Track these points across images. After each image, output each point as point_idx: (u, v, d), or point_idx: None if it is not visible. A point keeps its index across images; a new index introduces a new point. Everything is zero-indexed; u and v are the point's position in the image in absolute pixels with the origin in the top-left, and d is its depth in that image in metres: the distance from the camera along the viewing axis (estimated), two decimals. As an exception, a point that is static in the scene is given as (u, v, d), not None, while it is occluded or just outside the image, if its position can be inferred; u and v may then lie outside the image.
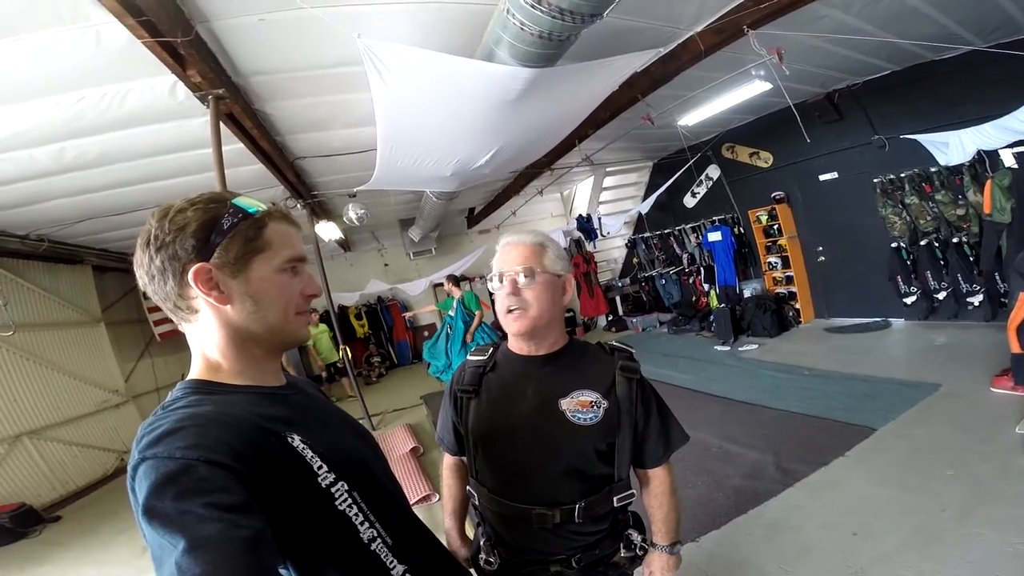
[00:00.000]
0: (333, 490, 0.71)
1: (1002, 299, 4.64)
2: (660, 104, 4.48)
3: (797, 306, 6.66)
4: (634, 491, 1.26)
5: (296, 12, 2.02)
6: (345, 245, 8.59)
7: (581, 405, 1.17)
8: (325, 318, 7.38)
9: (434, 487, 3.49)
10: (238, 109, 2.80)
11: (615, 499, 1.22)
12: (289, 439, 0.70)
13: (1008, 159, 4.19)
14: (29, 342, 5.18)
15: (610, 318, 9.44)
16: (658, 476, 1.29)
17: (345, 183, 4.96)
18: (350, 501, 0.73)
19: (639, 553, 1.31)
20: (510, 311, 1.18)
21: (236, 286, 0.72)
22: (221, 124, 2.75)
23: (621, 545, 1.29)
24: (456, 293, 5.89)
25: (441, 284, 8.70)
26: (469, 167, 3.97)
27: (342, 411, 0.95)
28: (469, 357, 1.36)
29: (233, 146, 3.26)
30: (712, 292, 7.56)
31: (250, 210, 0.75)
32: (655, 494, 1.30)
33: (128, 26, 1.82)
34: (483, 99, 2.73)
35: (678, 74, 3.56)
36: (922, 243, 5.18)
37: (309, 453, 0.70)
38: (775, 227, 6.66)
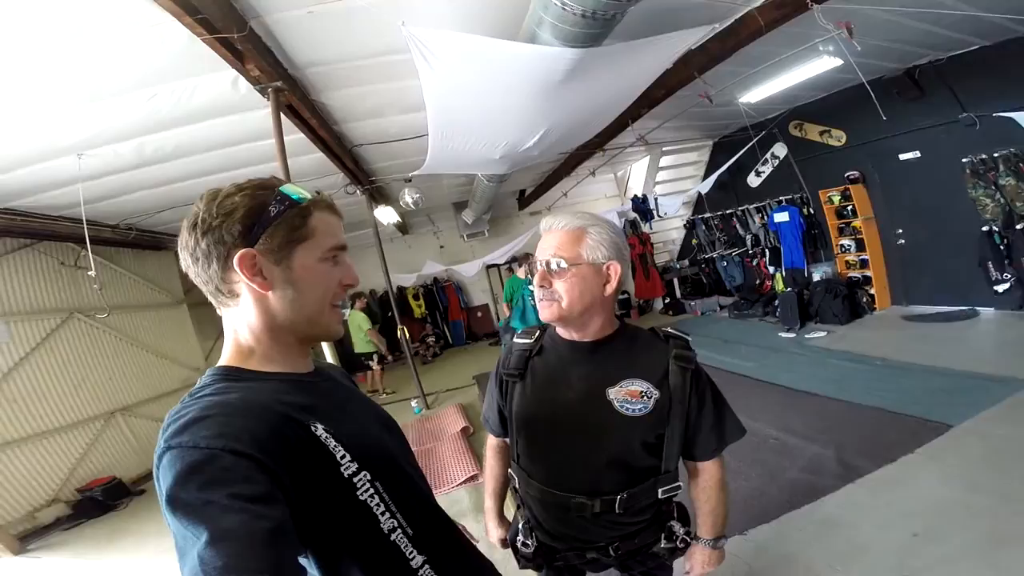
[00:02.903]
0: (355, 480, 0.71)
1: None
2: (719, 81, 4.24)
3: (872, 292, 6.18)
4: (680, 484, 1.22)
5: (342, 3, 2.09)
6: (403, 228, 8.88)
7: (630, 395, 1.12)
8: (367, 309, 7.53)
9: (481, 467, 3.58)
10: (296, 100, 2.94)
11: (660, 491, 1.18)
12: (313, 428, 0.70)
13: None
14: (121, 323, 5.68)
15: (667, 301, 9.17)
16: (708, 470, 1.24)
17: (401, 168, 5.09)
18: (372, 491, 0.73)
19: (680, 545, 1.27)
20: (540, 300, 1.15)
21: (278, 273, 0.73)
22: (281, 115, 2.88)
23: (662, 536, 1.26)
24: (521, 273, 5.97)
25: (494, 266, 8.88)
26: (517, 149, 3.96)
27: (369, 400, 0.95)
28: (515, 340, 1.33)
29: (294, 136, 3.43)
30: (778, 275, 7.18)
31: (296, 198, 0.75)
32: (703, 487, 1.25)
33: (186, 24, 1.95)
34: (528, 81, 2.70)
35: (737, 51, 3.36)
36: (1018, 227, 4.68)
37: (332, 442, 0.70)
38: (849, 208, 6.19)
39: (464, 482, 3.57)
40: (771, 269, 7.43)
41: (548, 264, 1.12)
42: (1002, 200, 4.70)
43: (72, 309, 5.11)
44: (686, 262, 9.37)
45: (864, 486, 2.65)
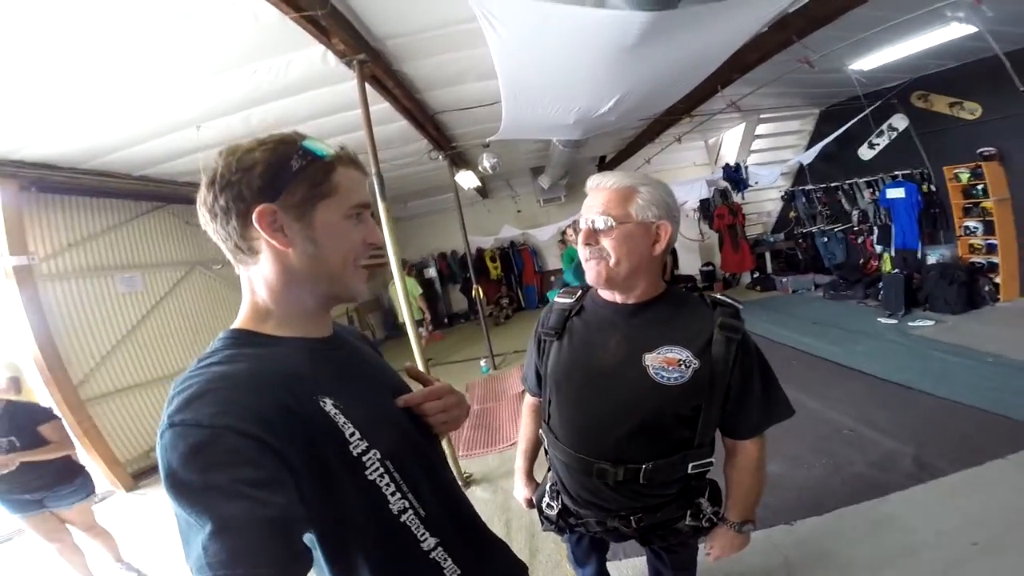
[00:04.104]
0: (364, 459, 0.68)
1: None
2: (822, 46, 3.82)
3: (997, 280, 5.38)
4: (713, 460, 1.17)
5: None
6: (482, 192, 9.07)
7: (667, 362, 1.07)
8: (419, 274, 7.58)
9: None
10: (380, 71, 3.10)
11: (690, 465, 1.13)
12: (322, 403, 0.67)
13: None
14: (233, 275, 6.40)
15: (756, 276, 8.61)
16: (747, 449, 1.18)
17: (479, 134, 5.17)
18: (382, 470, 0.70)
19: (705, 525, 1.23)
20: (587, 259, 1.12)
21: (300, 229, 0.70)
22: (367, 86, 3.05)
23: (688, 513, 1.22)
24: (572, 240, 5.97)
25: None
26: (591, 115, 3.86)
27: (388, 370, 0.91)
28: (556, 299, 1.30)
29: (380, 106, 3.61)
30: (886, 255, 6.48)
31: (319, 152, 0.73)
32: (739, 467, 1.19)
33: (274, 3, 2.11)
34: (598, 47, 2.60)
35: (844, 13, 3.02)
36: None
37: (342, 419, 0.67)
38: (979, 187, 5.40)
39: (515, 443, 3.75)
40: (878, 248, 6.71)
41: (594, 221, 1.09)
42: None
43: (194, 262, 5.78)
44: (781, 236, 8.68)
45: (935, 488, 2.47)
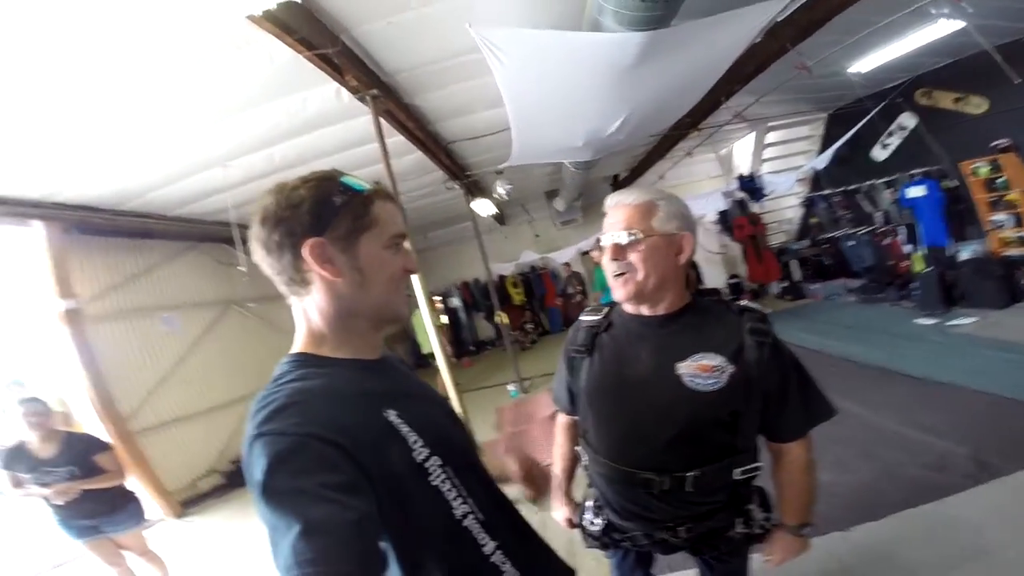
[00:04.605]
0: (427, 465, 0.72)
1: None
2: (816, 52, 3.92)
3: (1034, 272, 5.19)
4: (760, 464, 1.16)
5: (416, 12, 2.31)
6: (500, 219, 9.19)
7: (702, 369, 1.07)
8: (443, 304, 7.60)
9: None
10: (393, 105, 3.25)
11: (737, 471, 1.12)
12: (385, 413, 0.72)
13: None
14: (268, 312, 6.40)
15: (784, 285, 8.41)
16: (793, 452, 1.16)
17: (492, 161, 5.31)
18: (443, 476, 0.73)
19: (757, 531, 1.20)
20: (616, 275, 1.13)
21: (346, 260, 0.75)
22: (381, 120, 3.18)
23: (739, 520, 1.19)
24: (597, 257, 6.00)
25: (588, 252, 8.84)
26: (600, 136, 3.95)
27: (431, 387, 0.97)
28: (583, 317, 1.31)
29: (394, 139, 3.76)
30: (916, 255, 6.28)
31: (358, 187, 0.78)
32: (788, 470, 1.17)
33: (288, 44, 2.26)
34: (599, 69, 2.71)
35: (830, 19, 3.11)
36: None
37: (405, 428, 0.72)
38: (1000, 180, 5.30)
39: (551, 463, 3.68)
40: (907, 248, 6.52)
41: (624, 236, 1.10)
42: None
43: (229, 301, 6.02)
44: (805, 242, 8.53)
45: (998, 488, 2.32)
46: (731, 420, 1.08)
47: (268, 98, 3.02)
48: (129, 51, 2.27)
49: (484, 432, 4.76)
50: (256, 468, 0.59)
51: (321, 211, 0.74)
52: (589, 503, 1.36)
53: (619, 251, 1.11)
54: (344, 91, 2.93)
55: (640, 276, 1.09)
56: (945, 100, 5.74)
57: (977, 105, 5.46)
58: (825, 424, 1.15)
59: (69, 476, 2.57)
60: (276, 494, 0.57)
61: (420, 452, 0.71)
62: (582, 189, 7.53)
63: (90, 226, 4.24)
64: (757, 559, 1.26)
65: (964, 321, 4.92)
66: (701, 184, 9.23)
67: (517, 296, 9.78)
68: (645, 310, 1.16)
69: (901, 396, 3.59)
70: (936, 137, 5.86)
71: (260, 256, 0.77)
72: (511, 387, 6.08)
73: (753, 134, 7.79)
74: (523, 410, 5.23)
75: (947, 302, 5.40)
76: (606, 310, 1.29)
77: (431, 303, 7.00)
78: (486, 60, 2.53)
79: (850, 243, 7.49)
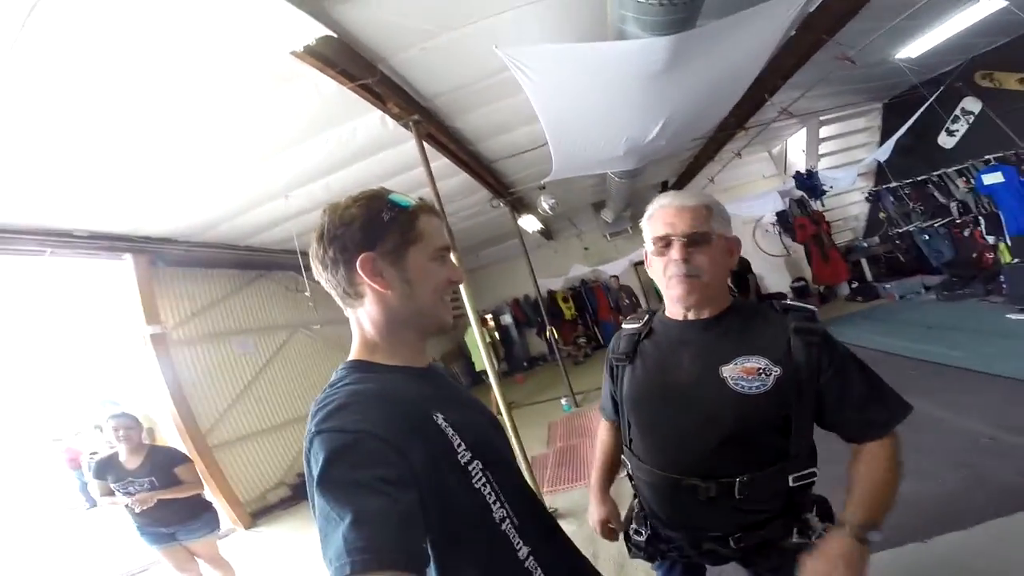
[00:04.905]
0: (470, 468, 0.75)
1: None
2: (857, 40, 3.75)
3: None
4: (816, 470, 1.09)
5: (446, 37, 2.45)
6: (547, 234, 9.26)
7: (746, 372, 1.05)
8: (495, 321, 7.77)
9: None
10: (434, 129, 3.42)
11: (790, 478, 1.06)
12: (434, 416, 0.76)
13: None
14: (332, 334, 6.78)
15: (854, 285, 7.90)
16: (873, 451, 1.05)
17: (535, 177, 5.39)
18: (484, 480, 0.76)
19: (815, 542, 1.05)
20: (683, 277, 1.10)
21: (395, 273, 0.80)
22: (425, 144, 3.34)
23: (795, 530, 1.10)
24: None
25: (640, 263, 8.69)
26: (641, 143, 3.94)
27: (473, 396, 1.00)
28: (624, 325, 1.32)
29: (439, 162, 3.93)
30: (1000, 245, 5.75)
31: (404, 204, 0.83)
32: (866, 465, 1.04)
33: (331, 76, 2.45)
34: (630, 76, 2.74)
35: (864, 5, 3.01)
36: None
37: (451, 431, 0.75)
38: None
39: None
40: (990, 239, 5.98)
41: (690, 237, 1.08)
42: None
43: (297, 325, 6.47)
44: (875, 239, 7.98)
45: None
46: (782, 423, 1.04)
47: (319, 129, 3.25)
48: (193, 94, 2.54)
49: (534, 447, 4.77)
50: (315, 462, 0.64)
51: (371, 227, 0.80)
52: (634, 512, 1.34)
53: (689, 251, 1.09)
54: (388, 118, 3.12)
55: (706, 278, 1.09)
56: (1009, 81, 5.35)
57: None
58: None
59: (149, 487, 2.80)
60: (333, 485, 0.61)
61: (464, 455, 0.75)
62: (629, 199, 7.47)
63: (171, 257, 4.70)
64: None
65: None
66: (755, 185, 8.90)
67: (568, 311, 9.77)
68: (691, 314, 1.15)
69: (991, 398, 3.29)
70: (1006, 120, 5.40)
71: (318, 272, 0.84)
72: (563, 401, 6.07)
73: (804, 129, 7.46)
74: (575, 424, 5.22)
75: (1042, 295, 4.88)
76: (647, 317, 1.28)
77: (482, 320, 7.16)
78: (516, 78, 2.63)
79: (925, 237, 6.96)
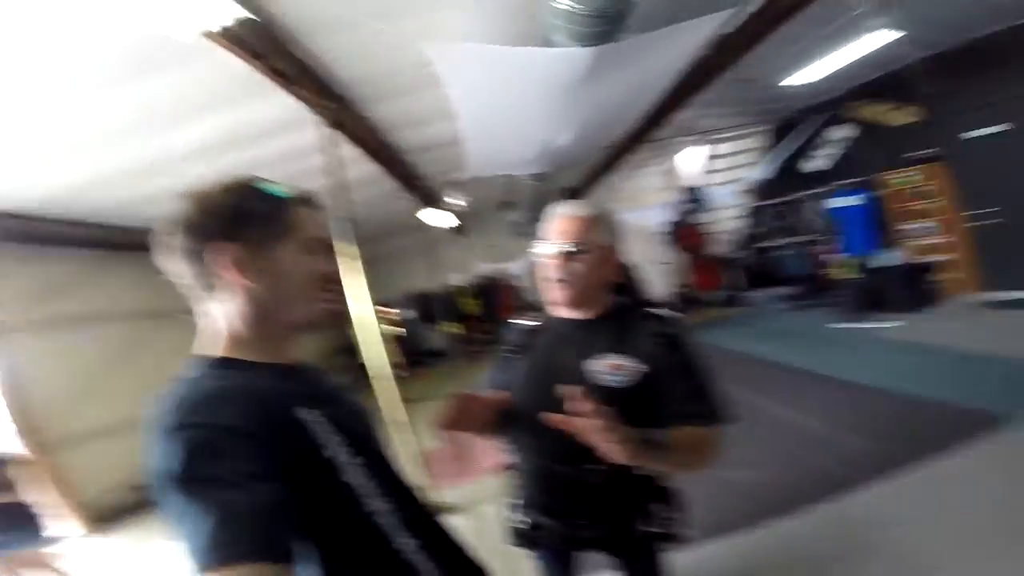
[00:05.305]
0: (339, 462, 0.74)
1: None
2: (758, 64, 4.12)
3: (948, 278, 5.72)
4: None
5: (373, 26, 2.32)
6: (454, 229, 9.19)
7: (614, 368, 1.16)
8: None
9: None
10: (346, 116, 3.23)
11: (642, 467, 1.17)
12: (300, 412, 0.73)
13: None
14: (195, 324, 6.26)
15: (726, 293, 8.85)
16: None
17: (447, 173, 5.35)
18: (356, 474, 0.75)
19: (659, 531, 1.26)
20: (557, 280, 1.20)
21: (261, 265, 0.75)
22: (334, 131, 3.16)
23: (647, 518, 1.26)
24: None
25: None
26: (554, 147, 4.09)
27: (347, 391, 0.98)
28: (517, 320, 1.41)
29: (346, 149, 3.66)
30: (843, 263, 6.79)
31: (276, 193, 0.79)
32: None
33: (241, 56, 2.22)
34: (551, 82, 2.83)
35: (772, 32, 3.26)
36: None
37: (318, 427, 0.74)
38: (923, 189, 5.77)
39: (493, 470, 3.69)
40: (835, 257, 7.03)
41: (567, 247, 1.19)
42: None
43: (162, 313, 5.53)
44: (745, 252, 9.00)
45: (900, 484, 2.51)
46: (640, 416, 1.12)
47: (215, 109, 2.94)
48: (65, 49, 2.16)
49: (429, 442, 4.73)
50: (168, 459, 0.59)
51: (237, 216, 0.75)
52: (515, 502, 1.40)
53: (566, 259, 1.19)
54: (296, 102, 2.91)
55: (580, 284, 1.19)
56: (878, 111, 6.00)
57: (905, 116, 5.72)
58: (751, 425, 1.22)
59: None
60: (190, 483, 0.58)
61: (333, 450, 0.73)
62: (537, 200, 7.67)
63: (11, 233, 3.96)
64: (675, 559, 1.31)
65: (882, 324, 5.37)
66: (650, 195, 9.50)
67: (471, 306, 9.79)
68: (574, 313, 1.26)
69: (822, 397, 3.85)
70: (868, 148, 6.19)
71: (175, 262, 0.76)
72: (460, 398, 6.07)
73: (700, 147, 8.11)
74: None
75: (868, 308, 5.84)
76: (540, 314, 1.37)
77: (379, 314, 6.90)
78: (439, 73, 2.60)
79: (784, 252, 7.99)
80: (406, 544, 0.79)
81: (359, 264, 3.05)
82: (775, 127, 7.64)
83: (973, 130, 5.15)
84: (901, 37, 3.85)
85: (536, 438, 1.25)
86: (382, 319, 7.17)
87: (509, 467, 1.41)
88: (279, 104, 3.01)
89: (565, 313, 1.28)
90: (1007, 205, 5.19)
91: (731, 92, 4.76)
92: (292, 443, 0.70)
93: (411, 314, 9.73)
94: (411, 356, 8.49)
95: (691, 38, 2.99)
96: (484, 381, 1.46)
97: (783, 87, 5.29)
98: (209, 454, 0.60)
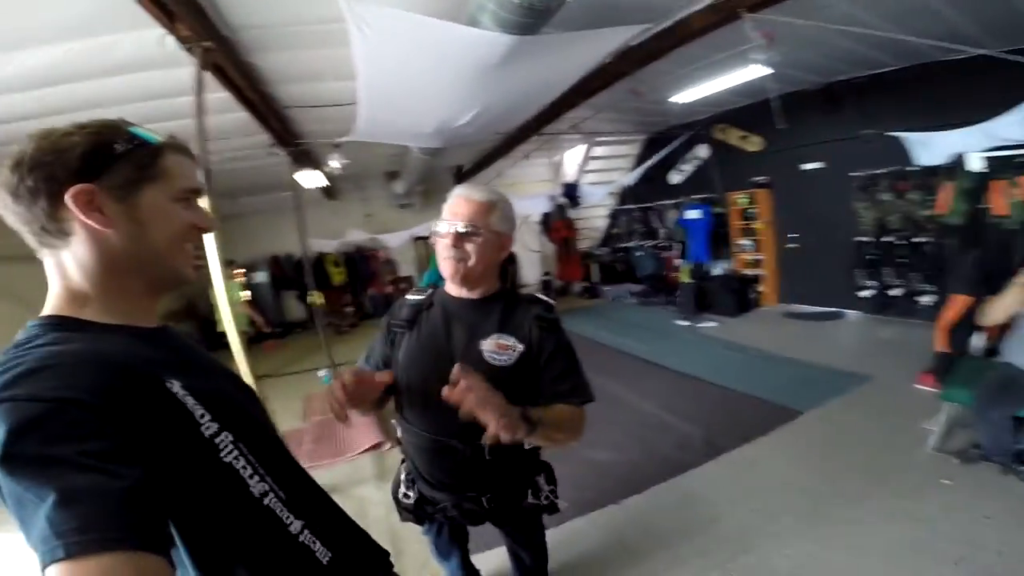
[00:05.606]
0: (217, 440, 0.67)
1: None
2: (652, 79, 4.46)
3: (761, 289, 6.90)
4: None
5: None
6: (328, 192, 8.51)
7: (499, 347, 1.24)
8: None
9: (388, 436, 3.58)
10: (225, 60, 2.79)
11: (525, 442, 1.22)
12: (168, 384, 0.64)
13: (975, 163, 4.11)
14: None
15: (584, 285, 9.63)
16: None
17: (330, 133, 4.87)
18: (236, 453, 0.68)
19: (544, 503, 1.41)
20: (451, 260, 1.24)
21: (122, 211, 0.67)
22: (207, 74, 2.75)
23: (530, 491, 1.39)
24: None
25: (422, 238, 8.76)
26: (451, 126, 4.00)
27: (218, 361, 0.89)
28: (407, 296, 1.42)
29: (217, 94, 3.23)
30: (684, 268, 7.77)
31: (147, 138, 0.71)
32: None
33: None
34: (465, 63, 2.77)
35: (671, 51, 3.51)
36: (886, 239, 5.27)
37: (191, 400, 0.65)
38: (753, 211, 6.77)
39: (368, 450, 3.61)
40: (678, 262, 8.01)
41: (465, 227, 1.23)
42: (878, 214, 5.23)
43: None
44: (606, 249, 9.84)
45: (723, 463, 2.99)
46: (519, 394, 1.18)
47: (66, 36, 2.36)
48: None
49: (288, 421, 4.40)
50: None
51: (96, 157, 0.66)
52: (403, 476, 1.45)
53: (459, 239, 1.23)
54: (170, 38, 2.42)
55: (471, 263, 1.24)
56: (733, 136, 6.83)
57: (754, 144, 6.60)
58: (606, 409, 1.40)
59: None
60: (23, 464, 0.49)
61: (209, 426, 0.66)
62: (424, 175, 7.43)
63: None
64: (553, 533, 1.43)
65: (709, 325, 6.31)
66: (533, 186, 9.80)
67: (337, 276, 9.17)
68: (465, 293, 1.31)
69: (660, 385, 4.40)
70: (719, 168, 6.99)
71: (4, 204, 0.65)
72: (322, 373, 5.64)
73: (583, 146, 8.58)
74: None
75: (699, 309, 6.80)
76: (429, 291, 1.41)
77: (231, 274, 6.14)
78: (347, 32, 2.37)
79: (638, 253, 8.90)
80: (295, 526, 0.75)
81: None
82: (647, 138, 8.35)
83: (803, 164, 6.17)
84: (768, 74, 4.24)
85: (427, 413, 1.28)
86: (230, 281, 6.42)
87: (392, 444, 1.43)
88: (147, 39, 2.51)
89: (455, 292, 1.33)
90: (805, 232, 6.41)
91: (619, 100, 5.06)
92: (163, 419, 0.61)
93: (263, 278, 8.80)
94: (267, 326, 7.74)
95: (603, 44, 3.14)
96: (367, 355, 1.46)
97: (664, 103, 5.72)
98: (41, 431, 0.50)
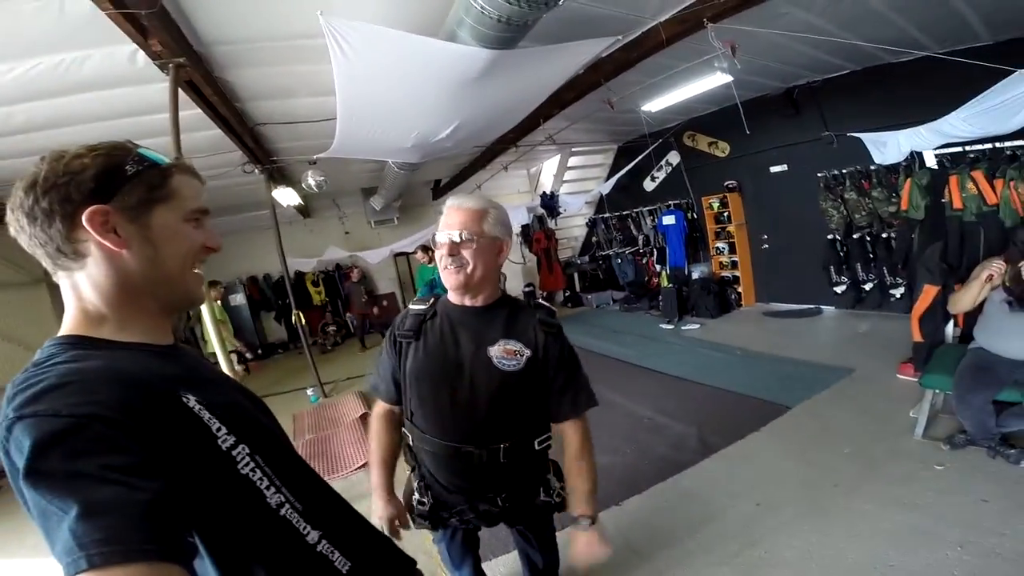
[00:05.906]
0: (234, 453, 0.68)
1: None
2: (623, 89, 4.55)
3: (739, 290, 7.04)
4: (551, 434, 1.38)
5: None
6: (304, 211, 8.38)
7: (507, 353, 1.27)
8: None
9: None
10: (198, 76, 2.74)
11: (535, 442, 1.34)
12: (184, 399, 0.66)
13: (930, 160, 4.40)
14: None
15: (567, 294, 9.68)
16: (568, 434, 1.36)
17: (306, 150, 4.83)
18: (253, 465, 0.70)
19: (556, 500, 1.44)
20: (450, 268, 1.27)
21: (135, 231, 0.68)
22: (180, 91, 2.71)
23: (541, 489, 1.43)
24: (424, 260, 6.33)
25: (402, 254, 8.71)
26: (429, 140, 4.00)
27: (229, 376, 0.91)
28: (411, 306, 1.44)
29: (190, 111, 3.17)
30: (663, 273, 7.87)
31: (156, 159, 0.73)
32: (569, 455, 1.36)
33: None
34: (444, 77, 2.79)
35: (640, 61, 3.62)
36: (855, 236, 5.44)
37: (207, 415, 0.67)
38: (725, 214, 6.95)
39: (362, 466, 3.59)
40: (658, 267, 8.13)
41: (459, 235, 1.25)
42: (845, 212, 5.41)
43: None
44: (586, 258, 9.93)
45: (718, 460, 3.03)
46: (528, 397, 1.30)
47: (33, 52, 2.29)
48: None
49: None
50: (19, 454, 0.51)
51: (108, 179, 0.67)
52: (415, 484, 1.46)
53: (455, 247, 1.26)
54: (141, 55, 2.38)
55: (469, 269, 1.26)
56: (703, 143, 7.04)
57: (723, 150, 6.84)
58: (600, 413, 1.43)
59: None
60: (47, 478, 0.50)
61: (225, 440, 0.67)
62: (402, 190, 7.40)
63: None
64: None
65: (692, 327, 6.39)
66: (512, 197, 9.86)
67: (317, 295, 9.04)
68: (467, 300, 1.33)
69: (650, 388, 4.45)
70: (690, 174, 7.20)
71: (19, 227, 0.67)
72: (310, 392, 5.63)
73: (559, 156, 8.68)
74: (325, 415, 4.94)
75: (681, 312, 6.91)
76: (432, 300, 1.42)
77: (216, 296, 6.00)
78: (327, 48, 2.35)
79: (618, 260, 9.02)
80: (312, 536, 0.75)
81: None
82: (620, 146, 8.52)
83: (769, 167, 6.40)
84: (732, 81, 4.42)
85: (440, 420, 1.31)
86: (209, 301, 6.23)
87: (406, 451, 1.45)
88: (118, 54, 2.47)
89: (457, 300, 1.35)
90: (777, 233, 6.62)
91: (593, 110, 5.15)
92: (181, 433, 0.63)
93: (240, 300, 8.59)
94: (247, 350, 7.53)
95: (577, 56, 3.20)
96: (376, 367, 1.47)
97: (635, 111, 5.87)
98: (65, 446, 0.51)
